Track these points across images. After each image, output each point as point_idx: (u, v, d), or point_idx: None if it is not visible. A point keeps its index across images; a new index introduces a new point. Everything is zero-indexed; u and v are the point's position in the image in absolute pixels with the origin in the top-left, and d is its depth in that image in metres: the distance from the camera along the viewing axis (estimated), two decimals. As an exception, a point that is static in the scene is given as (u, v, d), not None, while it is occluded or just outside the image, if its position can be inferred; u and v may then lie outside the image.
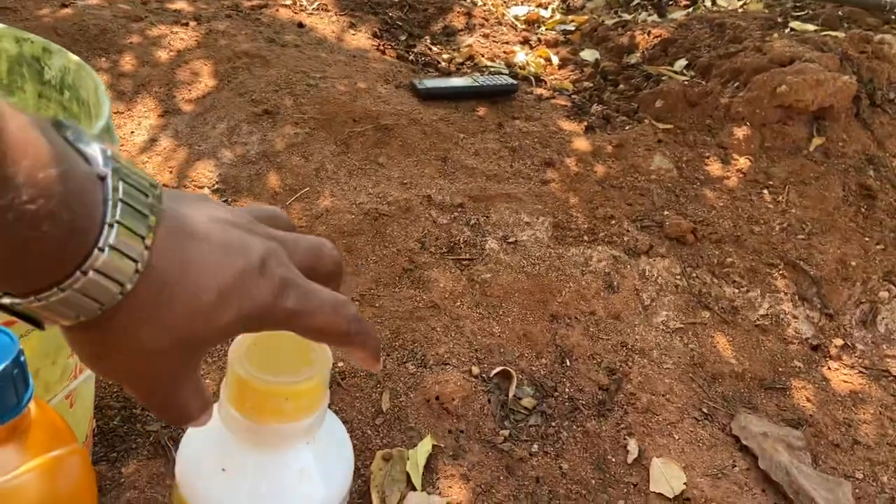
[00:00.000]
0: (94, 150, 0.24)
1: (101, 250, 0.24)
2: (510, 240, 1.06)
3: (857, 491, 0.89)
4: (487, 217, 1.09)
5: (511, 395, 0.91)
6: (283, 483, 0.44)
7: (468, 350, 0.95)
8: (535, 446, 0.87)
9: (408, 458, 0.84)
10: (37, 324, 0.26)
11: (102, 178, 0.24)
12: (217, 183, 1.09)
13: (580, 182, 1.19)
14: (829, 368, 1.03)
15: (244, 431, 0.42)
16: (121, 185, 0.24)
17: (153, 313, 0.26)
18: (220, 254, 0.27)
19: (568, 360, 0.96)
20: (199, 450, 0.45)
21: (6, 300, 0.25)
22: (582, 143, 1.25)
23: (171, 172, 1.08)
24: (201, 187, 1.08)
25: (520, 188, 1.14)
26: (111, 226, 0.24)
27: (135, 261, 0.25)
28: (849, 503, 0.87)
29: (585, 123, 1.32)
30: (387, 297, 0.98)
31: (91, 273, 0.24)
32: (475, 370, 0.93)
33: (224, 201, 1.07)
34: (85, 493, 0.42)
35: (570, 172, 1.20)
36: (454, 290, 1.00)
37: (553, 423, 0.90)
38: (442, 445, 0.85)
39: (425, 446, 0.84)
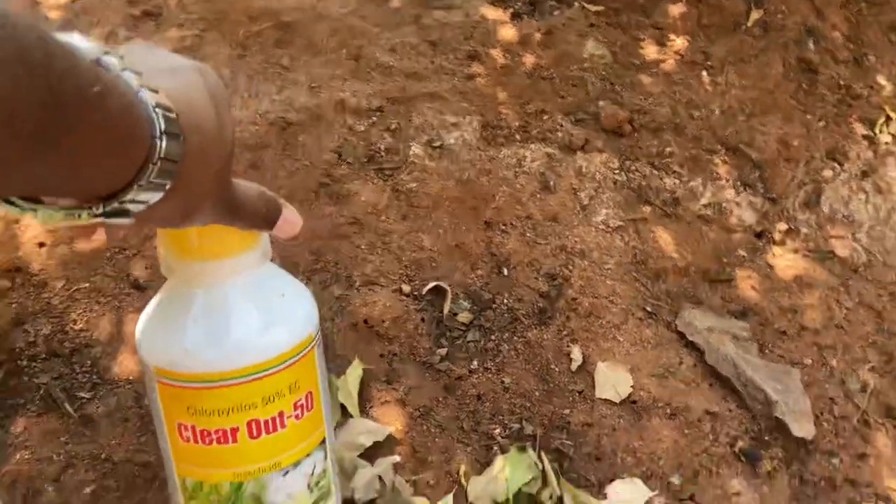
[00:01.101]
0: (129, 76, 0.26)
1: (159, 139, 0.26)
2: (436, 144, 0.98)
3: (805, 377, 0.86)
4: (409, 120, 0.99)
5: (446, 311, 0.85)
6: (269, 308, 0.45)
7: (397, 267, 0.87)
8: (475, 363, 0.81)
9: (338, 388, 0.77)
10: (126, 214, 0.28)
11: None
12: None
13: (508, 75, 1.09)
14: (774, 255, 0.99)
15: (202, 276, 0.43)
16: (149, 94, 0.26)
17: (202, 156, 0.29)
18: (203, 92, 0.31)
19: (505, 270, 0.89)
20: (160, 321, 0.44)
21: (106, 206, 0.26)
22: (508, 32, 1.15)
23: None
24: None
25: (443, 86, 1.04)
26: (157, 114, 0.26)
27: (177, 135, 0.27)
28: (798, 390, 0.85)
29: (511, 10, 1.21)
30: (302, 216, 0.89)
31: (161, 141, 0.26)
32: (406, 288, 0.86)
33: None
34: None
35: (497, 65, 1.10)
36: (378, 203, 0.92)
37: (492, 337, 0.84)
38: (373, 369, 0.79)
39: (355, 371, 0.78)
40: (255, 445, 0.46)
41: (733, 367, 0.85)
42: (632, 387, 0.82)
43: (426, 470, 0.71)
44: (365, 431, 0.73)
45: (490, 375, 0.81)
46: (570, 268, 0.91)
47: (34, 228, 0.81)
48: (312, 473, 0.51)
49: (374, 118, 0.99)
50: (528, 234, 0.93)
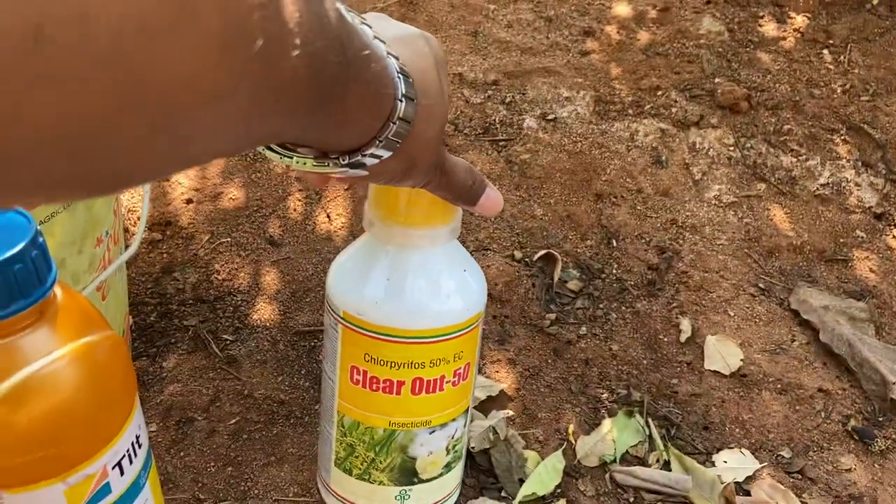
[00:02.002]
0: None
1: (401, 101, 0.30)
2: (549, 117, 1.00)
3: (924, 362, 0.84)
4: (524, 94, 1.02)
5: (556, 278, 0.87)
6: (452, 280, 0.49)
7: (509, 234, 0.91)
8: (584, 329, 0.84)
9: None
10: (362, 167, 0.31)
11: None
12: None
13: (623, 51, 1.10)
14: (894, 237, 0.97)
15: (402, 240, 0.47)
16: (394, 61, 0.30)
17: (428, 118, 0.32)
18: (430, 59, 0.34)
19: (615, 241, 0.91)
20: (356, 273, 0.50)
21: (350, 158, 0.30)
22: (623, 9, 1.16)
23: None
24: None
25: (557, 61, 1.06)
26: (399, 78, 0.30)
27: (412, 98, 0.30)
28: (915, 375, 0.83)
29: (626, -13, 1.21)
30: (421, 183, 0.94)
31: (402, 103, 0.29)
32: (517, 255, 0.89)
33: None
34: (122, 379, 0.40)
35: (612, 41, 1.11)
36: (491, 172, 0.95)
37: (601, 306, 0.86)
38: (486, 329, 0.82)
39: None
40: (414, 401, 0.51)
41: (848, 346, 0.84)
42: (742, 360, 0.82)
43: (535, 426, 0.74)
44: (479, 386, 0.77)
45: (598, 342, 0.83)
46: (681, 242, 0.92)
47: (182, 187, 0.89)
48: (453, 436, 0.55)
49: (490, 91, 1.02)
50: (638, 208, 0.94)
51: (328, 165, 0.30)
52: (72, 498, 0.40)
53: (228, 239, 0.86)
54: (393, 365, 0.49)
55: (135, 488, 0.43)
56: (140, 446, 0.43)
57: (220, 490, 0.62)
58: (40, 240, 0.34)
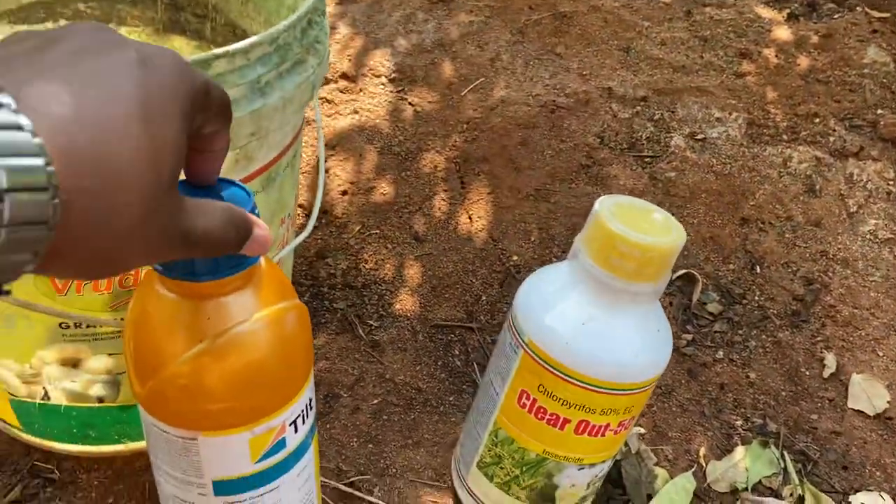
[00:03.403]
0: None
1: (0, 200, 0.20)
2: (698, 137, 0.99)
3: None
4: (673, 112, 1.01)
5: (695, 299, 0.87)
6: (644, 338, 0.49)
7: (649, 250, 0.90)
8: (720, 353, 0.83)
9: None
10: None
11: None
12: (393, 72, 1.08)
13: (780, 76, 1.07)
14: None
15: (605, 288, 0.47)
16: None
17: (101, 211, 0.22)
18: (129, 104, 0.23)
19: (759, 267, 0.89)
20: (551, 307, 0.50)
21: None
22: (783, 33, 1.13)
23: (349, 61, 1.09)
24: (378, 76, 1.08)
25: (711, 81, 1.05)
26: None
27: (44, 189, 0.20)
28: None
29: (787, 11, 1.18)
30: (562, 194, 0.95)
31: (3, 233, 0.20)
32: (656, 271, 0.89)
33: (400, 91, 1.06)
34: (305, 345, 0.44)
35: (769, 65, 1.09)
36: (635, 188, 0.95)
37: (740, 331, 0.85)
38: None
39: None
40: (574, 439, 0.52)
41: None
42: (888, 403, 0.78)
43: (666, 444, 0.73)
44: (610, 397, 0.77)
45: (735, 368, 0.81)
46: (830, 274, 0.88)
47: (339, 179, 0.95)
48: (597, 475, 0.57)
49: (639, 107, 1.02)
50: (787, 235, 0.91)
51: None
52: (254, 446, 0.44)
53: (377, 231, 0.91)
54: (565, 403, 0.50)
55: (303, 447, 0.47)
56: (311, 409, 0.46)
57: (360, 464, 0.66)
58: (256, 211, 0.37)
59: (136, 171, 0.22)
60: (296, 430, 0.45)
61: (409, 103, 1.05)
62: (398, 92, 1.06)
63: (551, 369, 0.49)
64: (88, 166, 0.21)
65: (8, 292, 0.23)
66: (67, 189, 0.21)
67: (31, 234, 0.20)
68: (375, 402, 0.73)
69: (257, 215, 0.37)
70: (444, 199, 0.96)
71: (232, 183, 0.38)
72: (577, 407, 0.50)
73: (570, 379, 0.49)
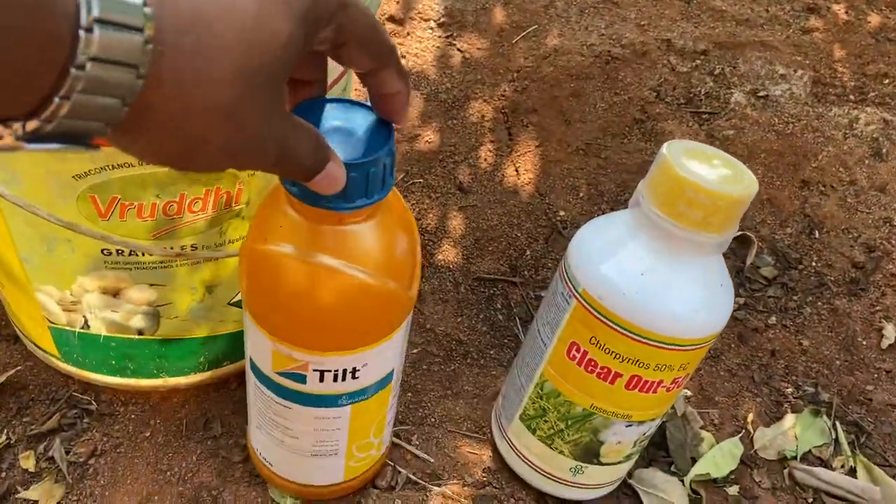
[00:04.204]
0: None
1: (89, 30, 0.18)
2: (760, 94, 0.94)
3: None
4: (735, 67, 0.96)
5: (748, 262, 0.83)
6: (706, 293, 0.46)
7: (701, 210, 0.87)
8: (773, 318, 0.79)
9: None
10: (78, 142, 0.21)
11: None
12: (443, 16, 1.04)
13: (849, 33, 1.02)
14: None
15: (667, 238, 0.44)
16: None
17: (195, 74, 0.21)
18: None
19: (817, 232, 0.85)
20: (608, 256, 0.47)
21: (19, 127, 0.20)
22: (855, -13, 1.06)
23: (397, 3, 1.05)
24: (426, 20, 1.04)
25: (776, 36, 1.00)
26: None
27: (138, 29, 0.19)
28: None
29: (860, -36, 1.11)
30: (613, 149, 0.92)
31: (89, 66, 0.19)
32: (708, 232, 0.85)
33: (448, 36, 1.03)
34: (412, 278, 0.43)
35: (838, 21, 1.03)
36: (690, 145, 0.91)
37: (795, 297, 0.81)
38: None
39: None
40: (624, 394, 0.50)
41: None
42: (951, 379, 0.75)
43: (712, 408, 0.71)
44: (656, 358, 0.75)
45: (788, 334, 0.78)
46: (894, 242, 0.84)
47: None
48: (644, 434, 0.54)
49: (698, 61, 0.97)
50: (849, 200, 0.87)
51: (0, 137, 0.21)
52: (276, 359, 0.43)
53: (420, 180, 0.89)
54: (617, 357, 0.48)
55: (323, 399, 0.46)
56: (353, 378, 0.45)
57: (400, 412, 0.65)
58: (393, 149, 0.36)
59: (238, 49, 0.21)
60: (321, 380, 0.43)
61: (458, 49, 1.01)
62: (447, 37, 1.03)
63: (605, 321, 0.47)
64: (189, 23, 0.20)
65: (97, 147, 0.22)
66: (163, 41, 0.20)
67: (120, 77, 0.19)
68: (415, 351, 0.71)
69: (393, 154, 0.36)
70: (490, 150, 0.93)
71: (376, 116, 0.36)
72: (631, 361, 0.48)
73: (624, 331, 0.47)
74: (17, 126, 0.20)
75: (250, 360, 0.46)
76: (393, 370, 0.47)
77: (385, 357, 0.44)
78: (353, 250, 0.38)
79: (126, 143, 0.22)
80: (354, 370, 0.43)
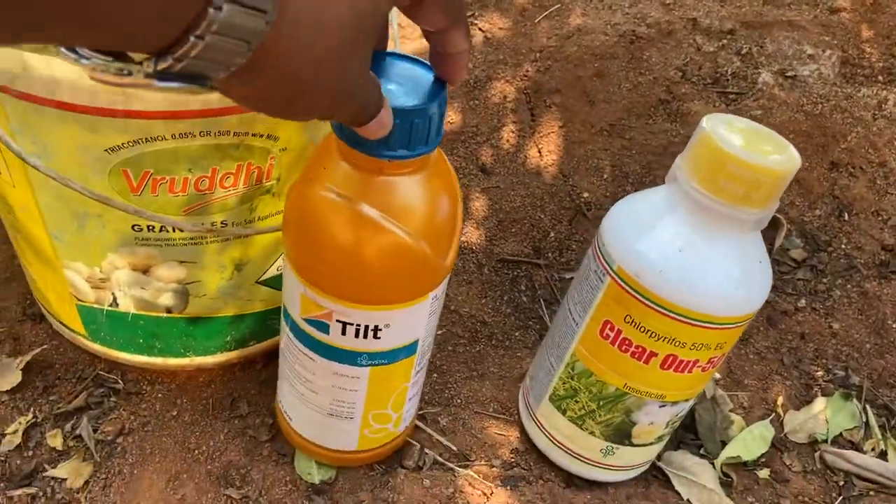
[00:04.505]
0: None
1: None
2: (788, 74, 0.92)
3: None
4: (762, 47, 0.95)
5: (777, 244, 0.82)
6: (745, 269, 0.45)
7: (728, 192, 0.85)
8: (802, 301, 0.78)
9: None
10: (201, 81, 0.22)
11: None
12: (464, -3, 1.03)
13: (879, 13, 0.99)
14: None
15: (705, 213, 0.43)
16: None
17: (315, 19, 0.22)
18: None
19: (847, 214, 0.84)
20: (645, 232, 0.46)
21: (149, 66, 0.21)
22: (884, -34, 1.04)
23: (418, -15, 1.04)
24: None
25: (804, 15, 0.98)
26: None
27: None
28: None
29: (889, -58, 1.09)
30: (639, 130, 0.90)
31: (226, 8, 0.20)
32: (735, 214, 0.84)
33: (470, 15, 1.01)
34: (452, 233, 0.42)
35: (866, 1, 1.01)
36: (716, 126, 0.90)
37: (824, 280, 0.80)
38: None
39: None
40: (659, 374, 0.49)
41: None
42: (984, 363, 0.74)
43: (741, 391, 0.70)
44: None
45: (817, 317, 0.77)
46: (926, 225, 0.83)
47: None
48: (678, 414, 0.53)
49: (725, 41, 0.96)
50: (878, 182, 0.86)
51: (129, 74, 0.22)
52: (305, 303, 0.44)
53: (443, 160, 0.88)
54: (653, 335, 0.47)
55: (343, 355, 0.46)
56: (375, 338, 0.45)
57: (426, 393, 0.64)
58: (444, 106, 0.36)
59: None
60: (343, 332, 0.43)
61: (480, 29, 1.00)
62: (468, 17, 1.01)
63: (641, 298, 0.46)
64: None
65: (213, 88, 0.23)
66: None
67: (251, 21, 0.20)
68: (440, 332, 0.70)
69: (443, 108, 0.36)
70: (513, 131, 0.92)
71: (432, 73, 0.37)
72: (667, 340, 0.47)
73: (661, 309, 0.46)
74: (147, 64, 0.21)
75: (283, 305, 0.46)
76: (417, 341, 0.46)
77: (409, 322, 0.44)
78: (389, 203, 0.37)
79: (237, 87, 0.23)
80: (377, 328, 0.43)
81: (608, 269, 0.48)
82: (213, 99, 0.40)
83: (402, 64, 0.37)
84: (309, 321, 0.44)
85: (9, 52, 0.37)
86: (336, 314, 0.42)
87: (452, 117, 0.91)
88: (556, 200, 0.85)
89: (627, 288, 0.47)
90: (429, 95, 0.35)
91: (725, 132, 0.43)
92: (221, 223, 0.47)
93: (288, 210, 0.41)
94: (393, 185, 0.37)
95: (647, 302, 0.46)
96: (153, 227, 0.46)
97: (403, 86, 0.36)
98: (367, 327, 0.43)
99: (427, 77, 0.36)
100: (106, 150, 0.41)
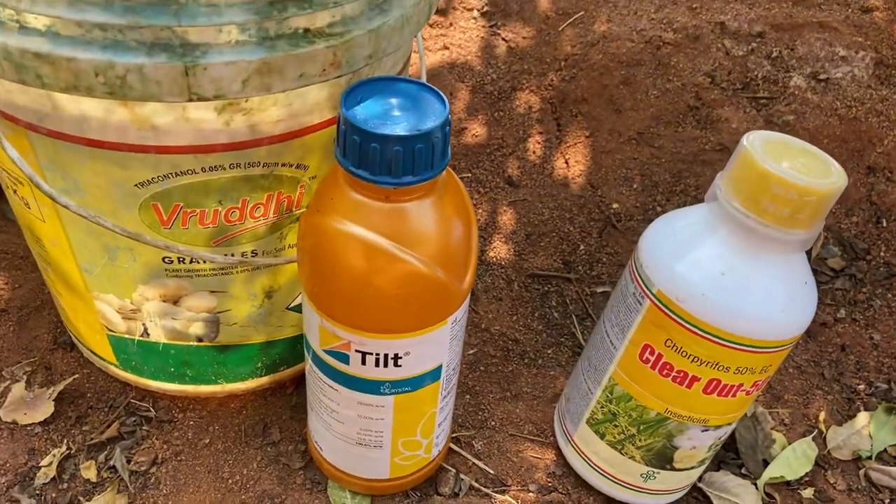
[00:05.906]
0: None
1: None
2: (821, 77, 0.90)
3: None
4: (793, 49, 0.93)
5: (814, 254, 0.80)
6: (790, 291, 0.43)
7: (761, 200, 0.83)
8: (842, 312, 0.76)
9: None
10: None
11: None
12: (486, 5, 1.02)
13: (912, 9, 0.97)
14: None
15: (748, 235, 0.42)
16: None
17: None
18: None
19: (885, 221, 0.81)
20: (685, 254, 0.45)
21: None
22: (917, -38, 1.01)
23: (439, -4, 1.03)
24: (470, 9, 1.02)
25: (835, 16, 0.96)
26: None
27: None
28: None
29: (921, -63, 1.06)
30: (668, 137, 0.89)
31: None
32: (769, 223, 0.82)
33: (493, 25, 1.00)
34: (466, 259, 0.41)
35: (900, -2, 0.98)
36: (748, 131, 0.88)
37: (864, 289, 0.78)
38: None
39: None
40: (701, 398, 0.47)
41: None
42: None
43: (782, 407, 0.68)
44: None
45: (858, 328, 0.75)
46: (969, 230, 0.80)
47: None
48: (720, 438, 0.52)
49: (754, 44, 0.94)
50: (918, 187, 0.83)
51: None
52: (324, 335, 0.43)
53: (468, 174, 0.87)
54: (695, 360, 0.46)
55: (364, 384, 0.45)
56: (396, 366, 0.44)
57: (459, 416, 0.63)
58: (447, 128, 0.36)
59: None
60: (363, 362, 0.43)
61: (503, 39, 0.99)
62: (491, 26, 1.00)
63: (683, 323, 0.45)
64: None
65: None
66: None
67: None
68: (472, 352, 0.69)
69: (446, 132, 0.36)
70: (539, 142, 0.90)
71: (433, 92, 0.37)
72: (710, 364, 0.46)
73: (704, 334, 0.44)
74: None
75: (304, 336, 0.46)
76: (441, 365, 0.45)
77: (430, 348, 0.43)
78: (399, 230, 0.37)
79: None
80: (397, 357, 0.42)
81: (647, 291, 0.47)
82: (242, 131, 0.39)
83: (403, 87, 0.37)
84: (328, 352, 0.43)
85: (37, 92, 0.36)
86: (354, 345, 0.42)
87: (477, 130, 0.90)
88: (584, 212, 0.84)
89: (668, 311, 0.46)
90: (431, 119, 0.35)
91: (767, 150, 0.42)
92: (252, 252, 0.47)
93: (300, 242, 0.41)
94: (401, 211, 0.37)
95: (688, 326, 0.45)
96: (183, 259, 0.45)
97: (405, 110, 0.35)
98: (386, 356, 0.42)
99: (429, 100, 0.36)
100: (136, 185, 0.40)
